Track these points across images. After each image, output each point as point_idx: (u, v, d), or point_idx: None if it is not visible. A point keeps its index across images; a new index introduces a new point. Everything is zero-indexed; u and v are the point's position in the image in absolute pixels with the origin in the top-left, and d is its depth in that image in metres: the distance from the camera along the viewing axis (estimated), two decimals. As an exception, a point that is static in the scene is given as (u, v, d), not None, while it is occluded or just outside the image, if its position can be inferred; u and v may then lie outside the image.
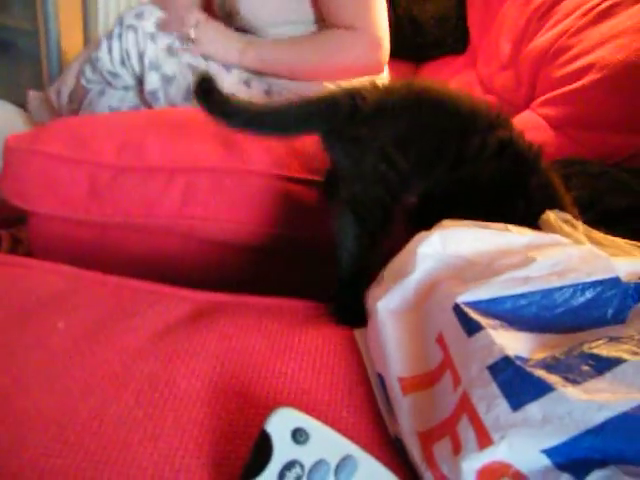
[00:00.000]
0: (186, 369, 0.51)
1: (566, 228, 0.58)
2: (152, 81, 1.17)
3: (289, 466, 0.39)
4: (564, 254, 0.50)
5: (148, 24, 1.17)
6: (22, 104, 1.63)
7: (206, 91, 0.70)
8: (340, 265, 0.69)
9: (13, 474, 0.44)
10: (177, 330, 0.57)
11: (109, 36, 1.18)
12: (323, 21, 1.18)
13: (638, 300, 0.49)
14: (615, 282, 0.49)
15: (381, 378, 0.50)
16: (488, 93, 1.44)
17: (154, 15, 1.18)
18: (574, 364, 0.42)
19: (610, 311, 0.48)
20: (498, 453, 0.39)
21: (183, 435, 0.46)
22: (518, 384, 0.41)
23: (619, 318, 0.48)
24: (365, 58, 1.16)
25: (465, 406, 0.42)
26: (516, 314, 0.47)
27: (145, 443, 0.45)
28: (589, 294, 0.48)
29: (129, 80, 1.21)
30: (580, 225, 0.59)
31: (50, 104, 1.44)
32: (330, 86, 1.22)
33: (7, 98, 1.64)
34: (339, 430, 0.42)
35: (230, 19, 1.29)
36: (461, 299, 0.47)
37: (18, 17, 1.71)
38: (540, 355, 0.44)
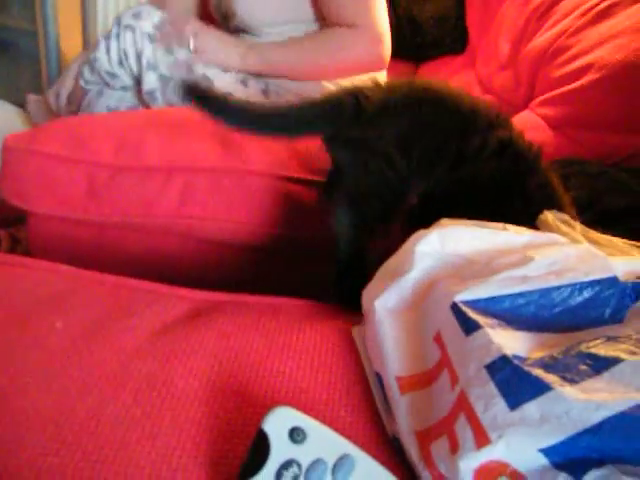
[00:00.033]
0: (184, 368, 0.51)
1: (564, 228, 0.58)
2: (150, 81, 1.17)
3: (286, 465, 0.39)
4: (562, 253, 0.50)
5: (146, 24, 1.17)
6: (21, 104, 1.63)
7: (201, 93, 0.70)
8: (338, 255, 0.69)
9: (11, 473, 0.44)
10: (175, 329, 0.57)
11: (107, 36, 1.18)
12: (322, 20, 1.19)
13: (636, 299, 0.49)
14: (613, 282, 0.49)
15: (379, 377, 0.50)
16: (487, 93, 1.44)
17: (152, 15, 1.18)
18: (572, 363, 0.42)
19: (608, 310, 0.48)
20: (495, 452, 0.39)
21: (181, 434, 0.46)
22: (516, 383, 0.41)
23: (617, 318, 0.48)
24: (367, 55, 1.17)
25: (463, 405, 0.42)
26: (514, 313, 0.47)
27: (143, 442, 0.45)
28: (587, 293, 0.48)
29: (127, 80, 1.21)
30: (578, 225, 0.59)
31: (49, 107, 1.43)
32: (329, 85, 1.22)
33: (6, 98, 1.64)
34: (337, 429, 0.42)
35: (226, 20, 1.29)
36: (459, 298, 0.47)
37: (17, 17, 1.71)
38: (538, 354, 0.44)
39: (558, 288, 0.48)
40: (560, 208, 0.64)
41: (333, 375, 0.52)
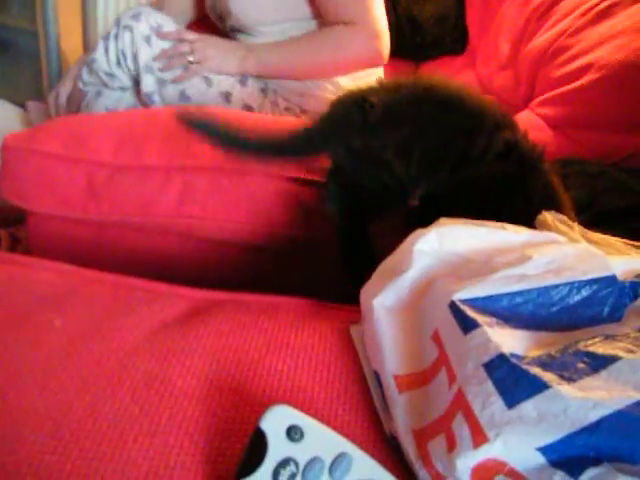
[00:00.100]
0: (182, 367, 0.51)
1: (562, 228, 0.58)
2: (148, 83, 1.17)
3: (284, 463, 0.39)
4: (560, 252, 0.50)
5: (143, 25, 1.17)
6: (21, 104, 1.63)
7: (207, 126, 0.70)
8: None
9: (9, 471, 0.44)
10: (173, 328, 0.57)
11: (106, 37, 1.19)
12: (320, 18, 1.19)
13: (634, 298, 0.49)
14: (611, 280, 0.49)
15: (377, 376, 0.50)
16: (487, 93, 1.43)
17: (151, 17, 1.19)
18: (570, 362, 0.42)
19: (606, 309, 0.48)
20: (493, 451, 0.39)
21: (178, 432, 0.46)
22: (513, 382, 0.41)
23: (615, 316, 0.48)
24: (366, 52, 1.18)
25: (460, 403, 0.42)
26: (512, 312, 0.47)
27: (140, 440, 0.45)
28: (585, 292, 0.48)
29: (125, 81, 1.21)
30: (576, 226, 0.59)
31: (49, 112, 1.44)
32: (327, 84, 1.23)
33: (6, 98, 1.64)
34: (334, 428, 0.42)
35: (222, 20, 1.30)
36: (457, 296, 0.47)
37: (17, 17, 1.71)
38: (536, 353, 0.44)
39: (556, 287, 0.48)
40: (559, 211, 0.64)
41: (331, 374, 0.52)
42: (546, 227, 0.59)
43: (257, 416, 0.40)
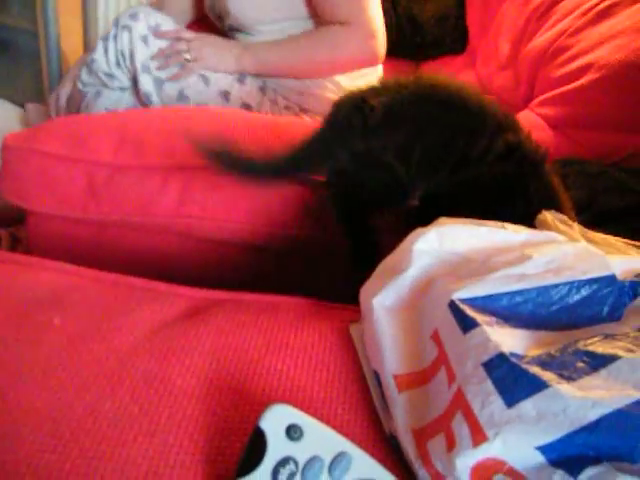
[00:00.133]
0: (182, 366, 0.51)
1: (562, 227, 0.58)
2: (145, 83, 1.17)
3: (283, 462, 0.39)
4: (560, 252, 0.50)
5: (141, 26, 1.17)
6: (21, 104, 1.63)
7: (220, 156, 0.70)
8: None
9: (8, 470, 0.44)
10: (173, 327, 0.57)
11: (105, 37, 1.19)
12: (317, 17, 1.20)
13: (634, 298, 0.49)
14: (611, 280, 0.49)
15: (377, 375, 0.50)
16: (487, 93, 1.43)
17: (149, 17, 1.19)
18: (569, 361, 0.42)
19: (606, 309, 0.48)
20: (492, 450, 0.39)
21: (178, 431, 0.46)
22: (513, 381, 0.41)
23: (615, 316, 0.48)
24: (361, 51, 1.19)
25: (459, 403, 0.42)
26: (512, 311, 0.47)
27: (140, 439, 0.45)
28: (585, 292, 0.48)
29: (125, 81, 1.22)
30: (576, 225, 0.59)
31: (48, 114, 1.44)
32: (326, 82, 1.23)
33: (6, 98, 1.64)
34: (334, 427, 0.42)
35: (221, 20, 1.30)
36: (457, 296, 0.47)
37: (18, 16, 1.71)
38: (535, 352, 0.44)
39: (556, 286, 0.48)
40: (560, 211, 0.64)
41: (331, 373, 0.52)
42: (546, 227, 0.59)
43: (257, 415, 0.40)
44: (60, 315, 0.58)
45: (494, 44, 1.46)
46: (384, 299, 0.51)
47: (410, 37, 1.76)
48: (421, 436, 0.44)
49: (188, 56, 1.18)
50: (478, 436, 0.40)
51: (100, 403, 0.48)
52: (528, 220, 0.60)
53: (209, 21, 1.39)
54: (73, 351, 0.53)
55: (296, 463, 0.39)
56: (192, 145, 0.70)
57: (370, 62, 1.23)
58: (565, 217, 0.60)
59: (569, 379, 0.41)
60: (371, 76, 1.26)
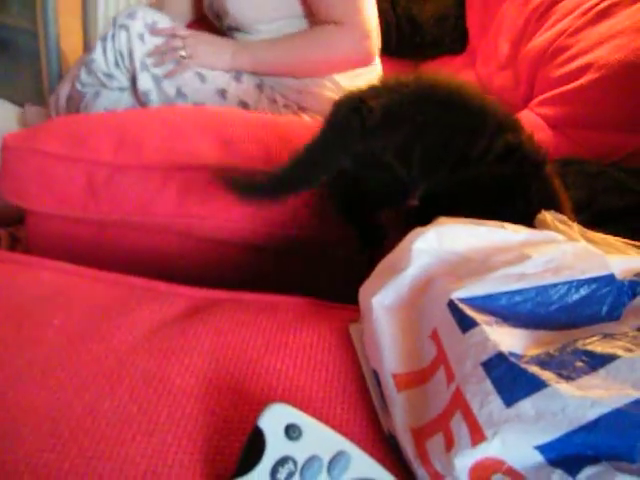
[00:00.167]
0: (181, 365, 0.51)
1: (561, 227, 0.58)
2: (144, 81, 1.18)
3: (282, 462, 0.39)
4: (559, 251, 0.50)
5: (138, 24, 1.17)
6: (21, 103, 1.63)
7: (238, 184, 0.70)
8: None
9: (7, 469, 0.44)
10: (172, 326, 0.57)
11: (103, 38, 1.20)
12: (312, 17, 1.20)
13: (632, 297, 0.49)
14: (610, 279, 0.49)
15: (376, 374, 0.50)
16: (486, 93, 1.43)
17: (146, 15, 1.19)
18: (568, 360, 0.42)
19: (605, 308, 0.48)
20: (491, 449, 0.39)
21: (177, 431, 0.46)
22: (512, 380, 0.41)
23: (614, 315, 0.48)
24: (354, 51, 1.20)
25: (458, 402, 0.42)
26: (511, 310, 0.47)
27: (139, 438, 0.45)
28: (584, 291, 0.48)
29: (124, 81, 1.22)
30: (575, 225, 0.59)
31: (48, 116, 1.44)
32: (324, 80, 1.23)
33: (6, 97, 1.64)
34: (333, 426, 0.42)
35: (219, 20, 1.30)
36: (456, 295, 0.47)
37: (17, 16, 1.71)
38: (534, 351, 0.44)
39: (555, 285, 0.48)
40: (560, 212, 0.64)
41: (330, 373, 0.52)
42: (545, 226, 0.59)
43: (255, 415, 0.40)
44: (59, 315, 0.58)
45: (494, 44, 1.46)
46: (383, 298, 0.51)
47: (409, 37, 1.76)
48: (420, 435, 0.44)
49: (183, 53, 1.18)
50: (477, 435, 0.40)
51: (99, 402, 0.48)
52: (528, 220, 0.60)
53: (208, 21, 1.39)
54: (72, 350, 0.53)
55: (295, 462, 0.39)
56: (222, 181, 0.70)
57: (363, 62, 1.23)
58: (564, 217, 0.60)
59: (568, 378, 0.41)
60: (370, 75, 1.26)
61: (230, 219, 0.83)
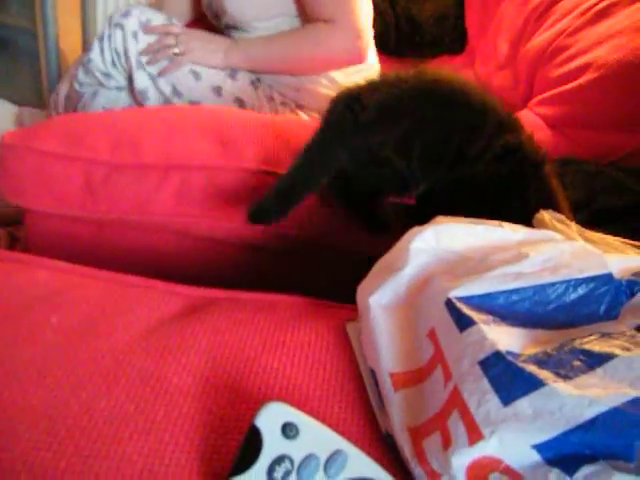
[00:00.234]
0: (178, 364, 0.51)
1: (560, 226, 0.58)
2: (141, 80, 1.18)
3: (279, 461, 0.39)
4: (557, 250, 0.50)
5: (132, 22, 1.18)
6: (20, 102, 1.63)
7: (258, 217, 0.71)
8: None
9: (3, 468, 0.44)
10: (169, 325, 0.57)
11: (100, 37, 1.20)
12: (304, 14, 1.20)
13: (630, 296, 0.49)
14: (608, 278, 0.49)
15: (373, 373, 0.50)
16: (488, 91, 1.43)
17: (141, 13, 1.19)
18: (565, 359, 0.42)
19: (603, 307, 0.48)
20: (488, 448, 0.39)
21: (174, 429, 0.46)
22: (509, 379, 0.41)
23: (612, 314, 0.48)
24: (344, 49, 1.20)
25: (456, 401, 0.42)
26: (508, 309, 0.47)
27: (136, 437, 0.45)
28: (582, 290, 0.48)
29: (121, 80, 1.22)
30: (574, 225, 0.59)
31: (47, 116, 1.44)
32: (321, 78, 1.23)
33: (5, 97, 1.64)
34: (330, 425, 0.42)
35: (217, 18, 1.31)
36: (453, 294, 0.47)
37: (17, 16, 1.71)
38: (532, 350, 0.44)
39: (553, 285, 0.48)
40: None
41: (327, 372, 0.52)
42: (543, 226, 0.59)
43: (252, 413, 0.40)
44: (57, 313, 0.58)
45: (493, 44, 1.46)
46: (381, 297, 0.51)
47: (409, 37, 1.76)
48: (417, 434, 0.44)
49: (177, 50, 1.18)
50: (474, 434, 0.40)
51: (96, 401, 0.48)
52: (526, 220, 0.60)
53: (207, 20, 1.39)
54: (69, 349, 0.53)
55: (292, 461, 0.39)
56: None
57: (354, 60, 1.23)
58: (562, 216, 0.60)
59: (565, 377, 0.41)
60: (368, 73, 1.26)
61: (228, 218, 0.83)
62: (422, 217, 0.57)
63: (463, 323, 0.45)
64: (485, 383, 0.41)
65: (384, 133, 0.69)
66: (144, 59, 1.17)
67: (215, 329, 0.56)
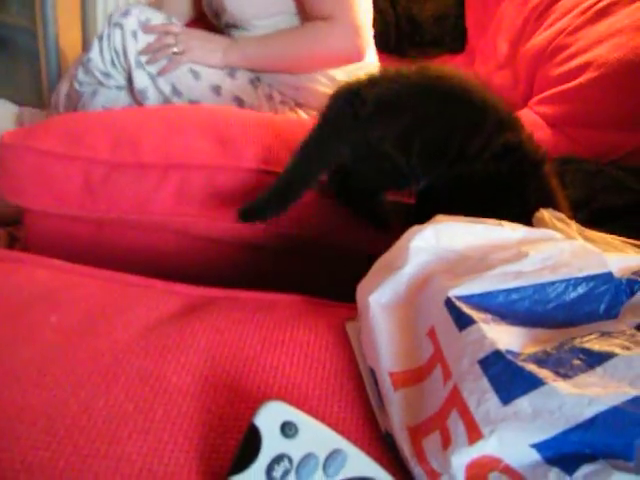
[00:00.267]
0: (177, 363, 0.51)
1: (559, 225, 0.58)
2: (140, 79, 1.18)
3: (277, 460, 0.39)
4: (556, 249, 0.50)
5: (132, 21, 1.17)
6: (20, 102, 1.63)
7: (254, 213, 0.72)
8: None
9: (3, 467, 0.44)
10: (168, 324, 0.57)
11: (100, 37, 1.20)
12: (303, 12, 1.20)
13: (630, 295, 0.48)
14: (608, 277, 0.49)
15: (373, 372, 0.50)
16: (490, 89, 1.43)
17: (141, 12, 1.19)
18: (565, 358, 0.42)
19: (602, 306, 0.48)
20: (488, 447, 0.39)
21: (173, 429, 0.45)
22: (509, 378, 0.41)
23: (611, 313, 0.48)
24: (343, 47, 1.19)
25: (455, 400, 0.42)
26: (508, 308, 0.47)
27: (135, 437, 0.45)
28: (581, 289, 0.48)
29: (121, 79, 1.22)
30: (573, 224, 0.59)
31: (47, 116, 1.44)
32: (320, 76, 1.23)
33: (5, 96, 1.64)
34: (329, 424, 0.42)
35: (217, 17, 1.31)
36: (453, 293, 0.47)
37: (16, 15, 1.71)
38: (531, 349, 0.44)
39: (552, 283, 0.48)
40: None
41: (326, 371, 0.52)
42: (543, 224, 0.59)
43: (251, 413, 0.40)
44: (56, 312, 0.58)
45: (493, 43, 1.46)
46: (380, 296, 0.51)
47: (409, 36, 1.76)
48: (417, 434, 0.44)
49: (176, 49, 1.18)
50: (474, 433, 0.40)
51: (95, 400, 0.48)
52: (525, 219, 0.60)
53: (207, 20, 1.40)
54: (68, 348, 0.53)
55: (291, 460, 0.39)
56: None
57: (352, 58, 1.22)
58: (562, 215, 0.60)
59: (565, 376, 0.41)
60: (367, 71, 1.26)
61: (227, 218, 0.83)
62: (422, 216, 0.56)
63: (463, 322, 0.45)
64: (485, 382, 0.41)
65: (383, 128, 0.69)
66: (143, 58, 1.17)
67: (214, 328, 0.55)
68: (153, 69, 1.18)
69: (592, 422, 0.38)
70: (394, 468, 0.44)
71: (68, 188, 0.84)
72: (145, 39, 1.18)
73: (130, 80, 1.20)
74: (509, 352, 0.42)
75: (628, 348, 0.42)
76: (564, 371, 0.41)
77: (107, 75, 1.21)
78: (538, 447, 0.39)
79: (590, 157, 0.92)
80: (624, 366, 0.41)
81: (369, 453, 0.42)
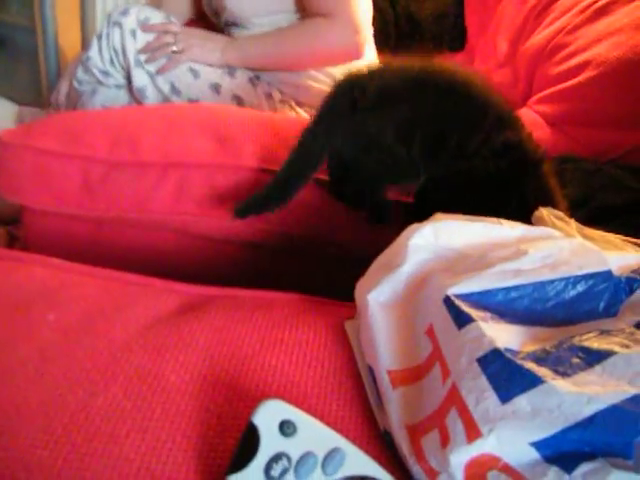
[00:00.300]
0: (175, 362, 0.51)
1: (559, 223, 0.58)
2: (139, 78, 1.18)
3: (276, 458, 0.39)
4: (556, 247, 0.50)
5: (131, 20, 1.17)
6: (19, 101, 1.63)
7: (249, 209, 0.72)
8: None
9: (0, 465, 0.44)
10: (167, 323, 0.56)
11: (99, 36, 1.20)
12: (303, 10, 1.20)
13: (630, 294, 0.48)
14: (607, 275, 0.49)
15: (372, 371, 0.50)
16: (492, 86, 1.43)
17: (140, 12, 1.19)
18: (564, 357, 0.42)
19: (602, 304, 0.48)
20: (487, 446, 0.39)
21: (171, 427, 0.45)
22: (507, 377, 0.41)
23: (611, 311, 0.48)
24: (342, 44, 1.19)
25: (454, 399, 0.42)
26: (507, 307, 0.47)
27: (133, 435, 0.45)
28: (581, 287, 0.48)
29: (120, 78, 1.22)
30: (573, 222, 0.59)
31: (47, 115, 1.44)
32: (319, 75, 1.23)
33: (4, 95, 1.63)
34: (328, 423, 0.42)
35: (217, 15, 1.31)
36: (452, 291, 0.47)
37: (16, 14, 1.71)
38: (531, 348, 0.44)
39: (552, 282, 0.48)
40: None
41: (325, 369, 0.52)
42: (542, 223, 0.59)
43: (250, 411, 0.40)
44: (55, 311, 0.58)
45: (492, 42, 1.46)
46: (379, 295, 0.51)
47: (409, 35, 1.76)
48: (415, 432, 0.44)
49: (175, 48, 1.18)
50: (472, 432, 0.40)
51: (93, 399, 0.47)
52: (524, 218, 0.60)
53: (207, 19, 1.39)
54: (66, 346, 0.53)
55: (289, 459, 0.39)
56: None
57: (352, 56, 1.22)
58: (561, 213, 0.60)
59: (564, 375, 0.41)
60: None
61: (226, 216, 0.83)
62: (421, 214, 0.56)
63: (461, 320, 0.45)
64: (483, 380, 0.41)
65: (384, 118, 0.69)
66: (142, 57, 1.17)
67: (213, 327, 0.55)
68: (152, 68, 1.18)
69: (591, 420, 0.38)
70: (393, 467, 0.44)
71: (67, 187, 0.84)
72: (144, 38, 1.18)
73: (129, 79, 1.20)
74: (508, 350, 0.42)
75: (627, 346, 0.42)
76: (563, 369, 0.41)
77: (106, 74, 1.21)
78: (537, 445, 0.39)
79: (589, 156, 0.92)
80: (623, 364, 0.41)
81: (368, 451, 0.42)
